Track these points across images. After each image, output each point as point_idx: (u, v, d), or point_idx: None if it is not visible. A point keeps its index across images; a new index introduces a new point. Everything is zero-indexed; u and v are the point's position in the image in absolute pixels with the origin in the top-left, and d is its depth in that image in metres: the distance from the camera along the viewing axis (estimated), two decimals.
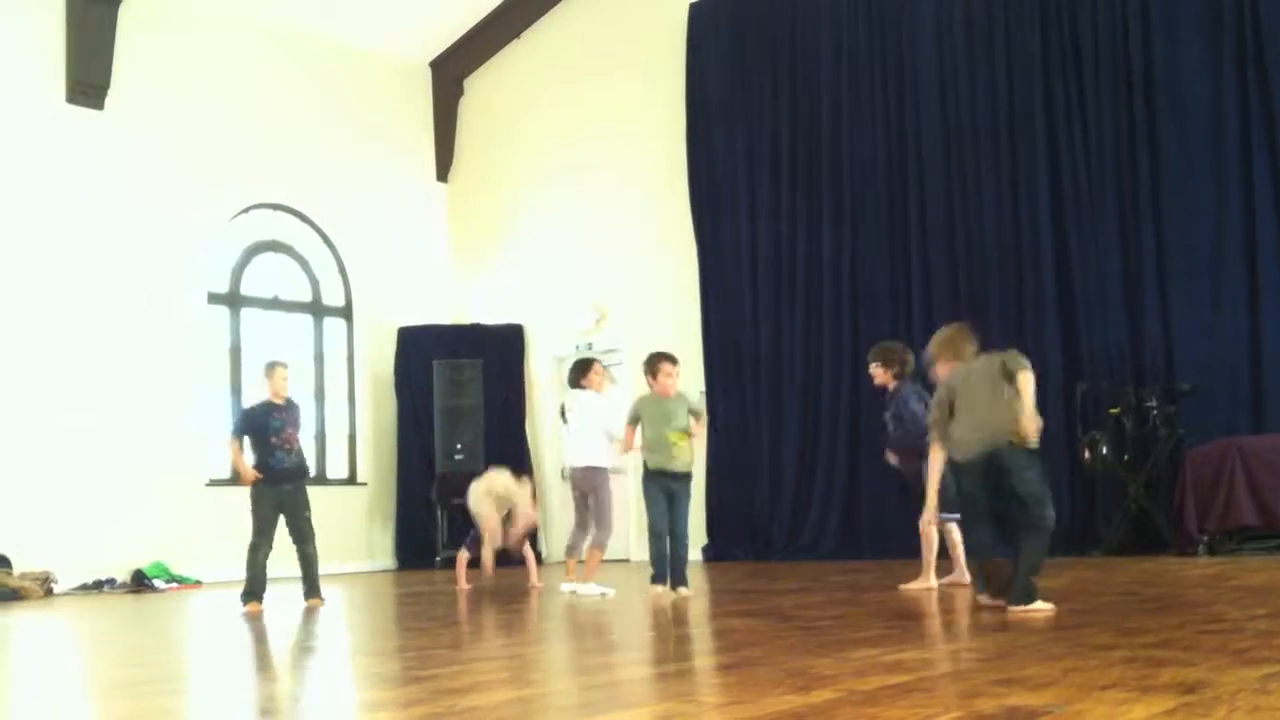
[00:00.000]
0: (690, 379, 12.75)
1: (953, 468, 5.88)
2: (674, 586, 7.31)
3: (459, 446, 13.48)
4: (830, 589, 7.50)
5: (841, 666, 3.64)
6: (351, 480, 14.09)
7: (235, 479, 8.20)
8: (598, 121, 14.06)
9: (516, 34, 14.86)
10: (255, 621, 7.05)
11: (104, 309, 11.97)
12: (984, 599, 5.60)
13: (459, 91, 15.51)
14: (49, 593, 10.77)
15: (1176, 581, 6.81)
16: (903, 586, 7.12)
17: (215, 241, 13.19)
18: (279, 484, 7.91)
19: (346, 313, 14.44)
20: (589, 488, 8.11)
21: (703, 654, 4.59)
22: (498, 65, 15.19)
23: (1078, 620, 4.82)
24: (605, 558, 8.29)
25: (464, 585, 8.93)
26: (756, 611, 6.04)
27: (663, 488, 7.50)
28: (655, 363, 7.66)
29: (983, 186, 11.16)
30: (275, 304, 13.88)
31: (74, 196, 11.94)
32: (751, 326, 12.47)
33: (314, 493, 13.17)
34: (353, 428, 14.31)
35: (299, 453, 8.10)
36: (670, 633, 5.49)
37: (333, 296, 14.38)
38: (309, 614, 7.34)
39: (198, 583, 11.54)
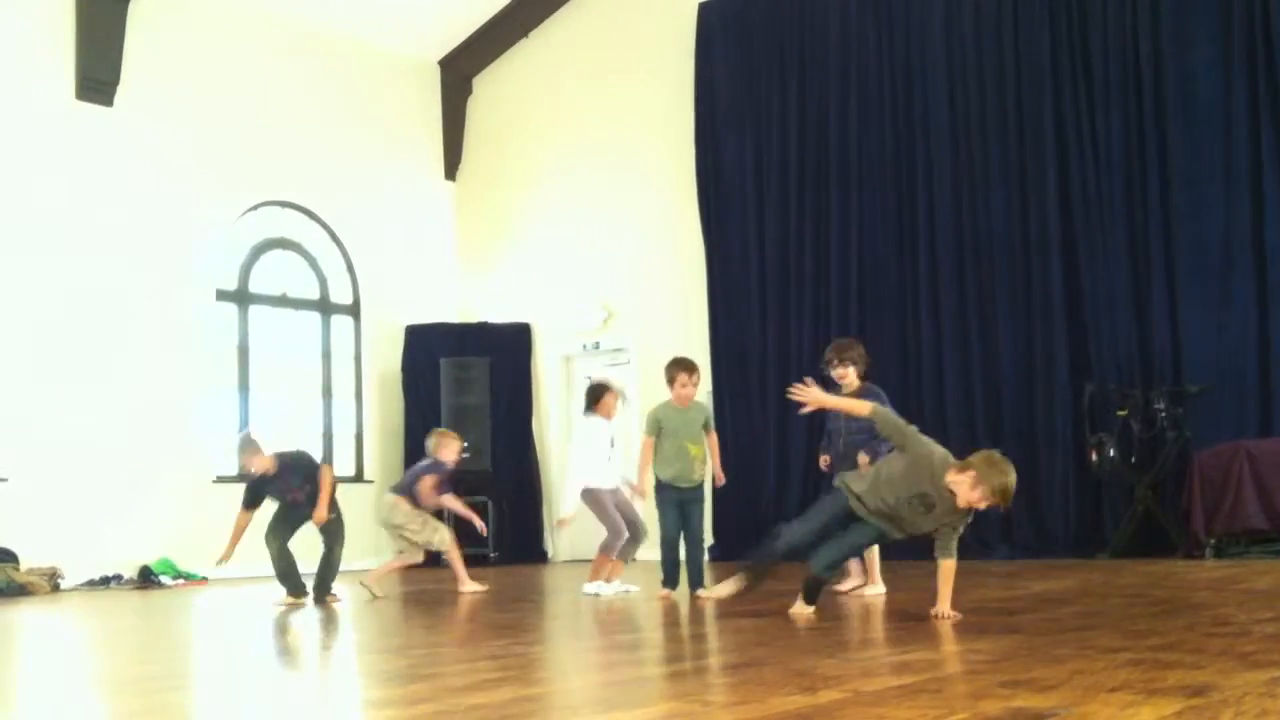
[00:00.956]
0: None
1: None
2: (693, 589, 7.26)
3: (466, 445, 13.47)
4: (837, 589, 7.49)
5: (847, 667, 3.64)
6: (359, 478, 14.10)
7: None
8: (606, 121, 14.06)
9: (525, 33, 14.87)
10: (263, 618, 7.06)
11: (112, 305, 11.99)
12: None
13: (468, 90, 15.52)
14: (56, 588, 10.79)
15: (1183, 584, 6.79)
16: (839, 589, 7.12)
17: (223, 238, 13.21)
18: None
19: (354, 310, 14.45)
20: (594, 510, 8.02)
21: (709, 654, 4.59)
22: (506, 64, 15.19)
23: (1084, 622, 4.82)
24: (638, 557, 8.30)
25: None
26: (763, 612, 6.03)
27: (674, 500, 7.38)
28: (672, 372, 7.44)
29: (991, 187, 11.16)
30: (283, 301, 13.90)
31: (83, 193, 11.96)
32: (759, 326, 12.47)
33: None
34: (360, 426, 14.33)
35: (309, 500, 8.17)
36: (676, 633, 5.50)
37: (341, 294, 14.40)
38: (322, 611, 7.37)
39: (204, 579, 11.56)
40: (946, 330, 11.23)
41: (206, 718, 3.46)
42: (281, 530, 8.21)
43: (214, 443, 12.71)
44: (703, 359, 12.75)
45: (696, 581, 7.32)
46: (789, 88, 12.53)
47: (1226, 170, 9.96)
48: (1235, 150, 9.92)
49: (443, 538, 8.84)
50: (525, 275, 14.71)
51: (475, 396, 13.61)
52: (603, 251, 13.93)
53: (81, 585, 11.20)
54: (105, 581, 11.41)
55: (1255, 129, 9.85)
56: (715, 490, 7.93)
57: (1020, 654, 3.88)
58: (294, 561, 8.26)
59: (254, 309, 13.59)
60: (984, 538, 10.58)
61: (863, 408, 5.73)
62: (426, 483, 8.77)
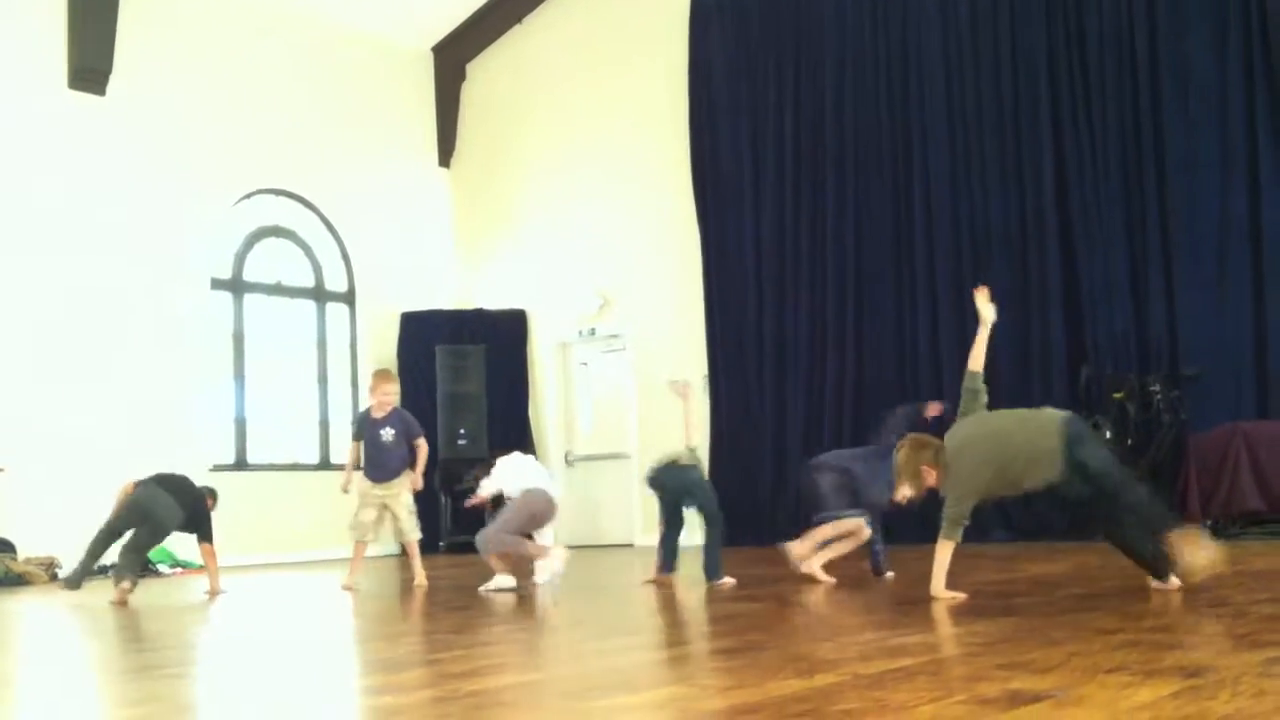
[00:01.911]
0: (694, 365, 12.79)
1: None
2: (709, 579, 7.28)
3: (462, 432, 13.50)
4: (833, 573, 7.50)
5: (845, 651, 3.64)
6: (355, 466, 14.05)
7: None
8: (601, 107, 14.03)
9: (519, 19, 14.83)
10: (260, 605, 7.07)
11: (107, 294, 11.97)
12: None
13: (461, 77, 15.49)
14: (54, 578, 10.79)
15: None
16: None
17: (218, 227, 13.19)
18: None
19: (349, 298, 14.44)
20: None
21: (707, 639, 4.59)
22: (500, 50, 15.16)
23: (1081, 605, 4.83)
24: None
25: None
26: (760, 596, 6.04)
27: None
28: None
29: (987, 172, 11.14)
30: (278, 290, 13.88)
31: (76, 182, 11.94)
32: (755, 312, 12.46)
33: (317, 478, 13.40)
34: (355, 413, 14.30)
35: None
36: (673, 619, 5.50)
37: (335, 282, 14.38)
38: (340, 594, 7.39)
39: (202, 568, 11.53)
40: (943, 316, 11.22)
41: (205, 705, 3.47)
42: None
43: (210, 431, 12.71)
44: (698, 346, 12.78)
45: (713, 571, 7.27)
46: (784, 75, 12.50)
47: (1222, 155, 9.95)
48: (1231, 135, 9.91)
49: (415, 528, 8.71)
50: (521, 262, 14.70)
51: (471, 384, 13.60)
52: (598, 238, 13.92)
53: None
54: (103, 571, 11.38)
55: (1251, 114, 9.84)
56: (711, 471, 7.92)
57: (1017, 636, 3.89)
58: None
59: (249, 297, 13.57)
60: (981, 521, 10.58)
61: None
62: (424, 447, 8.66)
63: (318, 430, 14.01)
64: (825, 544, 7.03)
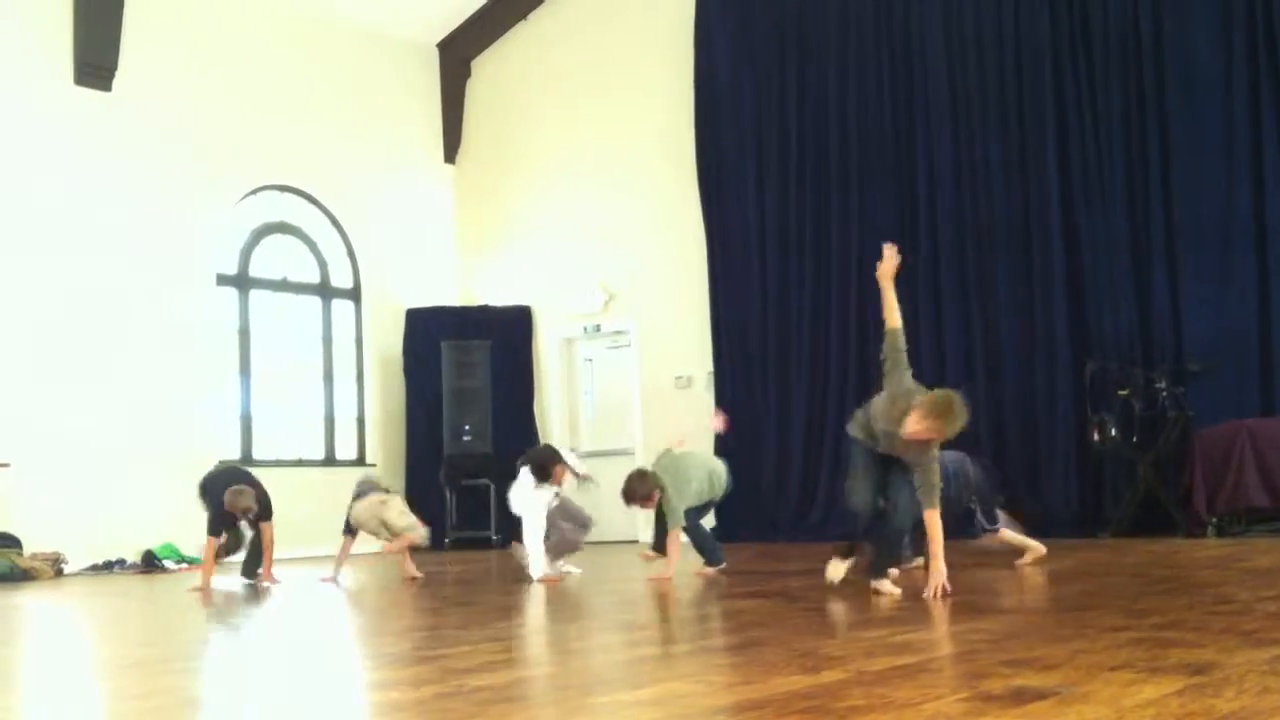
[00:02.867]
0: (698, 359, 12.80)
1: None
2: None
3: (467, 428, 13.51)
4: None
5: (850, 647, 3.64)
6: (360, 461, 14.11)
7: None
8: (605, 102, 14.03)
9: (524, 15, 14.82)
10: (265, 601, 7.08)
11: (112, 291, 11.99)
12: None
13: (466, 73, 15.49)
14: (59, 573, 10.82)
15: (1185, 563, 6.80)
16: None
17: (223, 223, 13.20)
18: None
19: (355, 294, 14.45)
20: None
21: (710, 635, 4.60)
22: (505, 47, 15.15)
23: (1086, 602, 4.82)
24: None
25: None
26: (764, 592, 6.05)
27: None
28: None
29: (991, 165, 11.13)
30: (284, 286, 13.90)
31: (82, 178, 11.95)
32: (759, 305, 12.46)
33: (322, 474, 13.40)
34: (361, 409, 14.34)
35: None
36: (678, 614, 5.50)
37: (341, 278, 14.39)
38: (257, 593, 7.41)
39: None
40: (947, 309, 11.21)
41: (211, 699, 3.47)
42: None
43: (216, 427, 12.73)
44: (703, 337, 12.79)
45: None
46: (788, 68, 12.50)
47: (1228, 147, 9.94)
48: (1236, 126, 9.90)
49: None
50: (526, 258, 14.70)
51: (476, 379, 13.62)
52: (603, 233, 13.92)
53: (85, 570, 11.23)
54: (109, 566, 11.43)
55: (1256, 105, 9.82)
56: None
57: (1022, 633, 3.89)
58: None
59: (254, 293, 13.59)
60: (985, 518, 10.58)
61: (893, 317, 5.75)
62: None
63: (323, 426, 14.03)
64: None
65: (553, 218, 14.45)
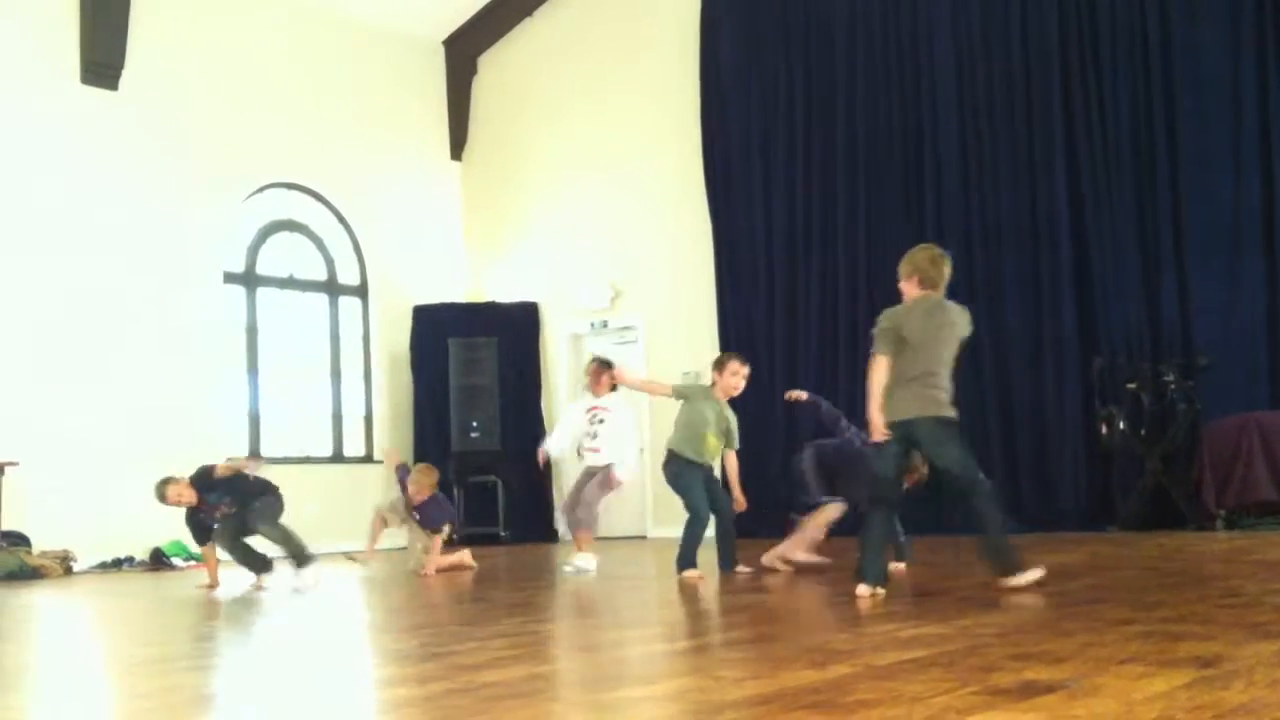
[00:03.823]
0: (705, 354, 12.77)
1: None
2: (732, 568, 7.21)
3: (475, 424, 13.52)
4: (846, 565, 7.50)
5: (859, 642, 3.64)
6: (368, 459, 14.13)
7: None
8: (612, 98, 14.02)
9: (529, 11, 14.83)
10: (273, 599, 7.09)
11: (119, 290, 12.01)
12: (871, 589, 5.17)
13: (472, 70, 15.49)
14: (68, 571, 10.84)
15: (1194, 556, 6.80)
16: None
17: (230, 221, 13.22)
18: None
19: (362, 291, 14.46)
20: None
21: (719, 630, 4.60)
22: (511, 43, 15.15)
23: (1095, 595, 4.82)
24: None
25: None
26: (773, 588, 6.05)
27: (700, 476, 7.25)
28: (724, 361, 7.42)
29: (999, 161, 11.11)
30: (291, 283, 13.91)
31: (89, 177, 11.97)
32: (766, 302, 12.46)
33: (331, 471, 13.44)
34: (369, 407, 14.35)
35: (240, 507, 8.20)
36: (687, 610, 5.51)
37: (348, 275, 14.41)
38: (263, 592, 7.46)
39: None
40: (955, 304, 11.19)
41: (219, 697, 3.48)
42: (229, 532, 8.23)
43: (224, 424, 12.74)
44: (710, 334, 12.77)
45: (727, 562, 7.26)
46: (795, 65, 12.49)
47: (1235, 143, 9.92)
48: (1244, 124, 9.89)
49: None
50: (532, 254, 14.71)
51: (484, 376, 13.62)
52: (610, 230, 13.91)
53: (94, 568, 11.25)
54: (117, 564, 11.46)
55: (1264, 103, 9.82)
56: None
57: (1031, 627, 3.88)
58: (249, 546, 8.29)
59: (261, 291, 13.60)
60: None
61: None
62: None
63: (331, 424, 14.05)
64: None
65: (559, 214, 14.45)
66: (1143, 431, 9.88)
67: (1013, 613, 4.35)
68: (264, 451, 13.17)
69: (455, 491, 13.45)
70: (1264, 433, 9.07)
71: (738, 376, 7.31)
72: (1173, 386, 9.73)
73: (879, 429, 5.24)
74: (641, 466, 8.01)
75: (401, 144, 14.89)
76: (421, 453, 14.16)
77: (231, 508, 8.13)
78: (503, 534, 13.33)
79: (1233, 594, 4.64)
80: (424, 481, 8.47)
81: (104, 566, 11.33)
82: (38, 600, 8.03)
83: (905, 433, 5.24)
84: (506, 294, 14.72)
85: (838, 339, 11.94)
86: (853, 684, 2.87)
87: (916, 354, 5.29)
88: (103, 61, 12.13)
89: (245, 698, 3.44)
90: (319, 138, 13.92)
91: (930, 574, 6.52)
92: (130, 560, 11.50)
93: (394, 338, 14.38)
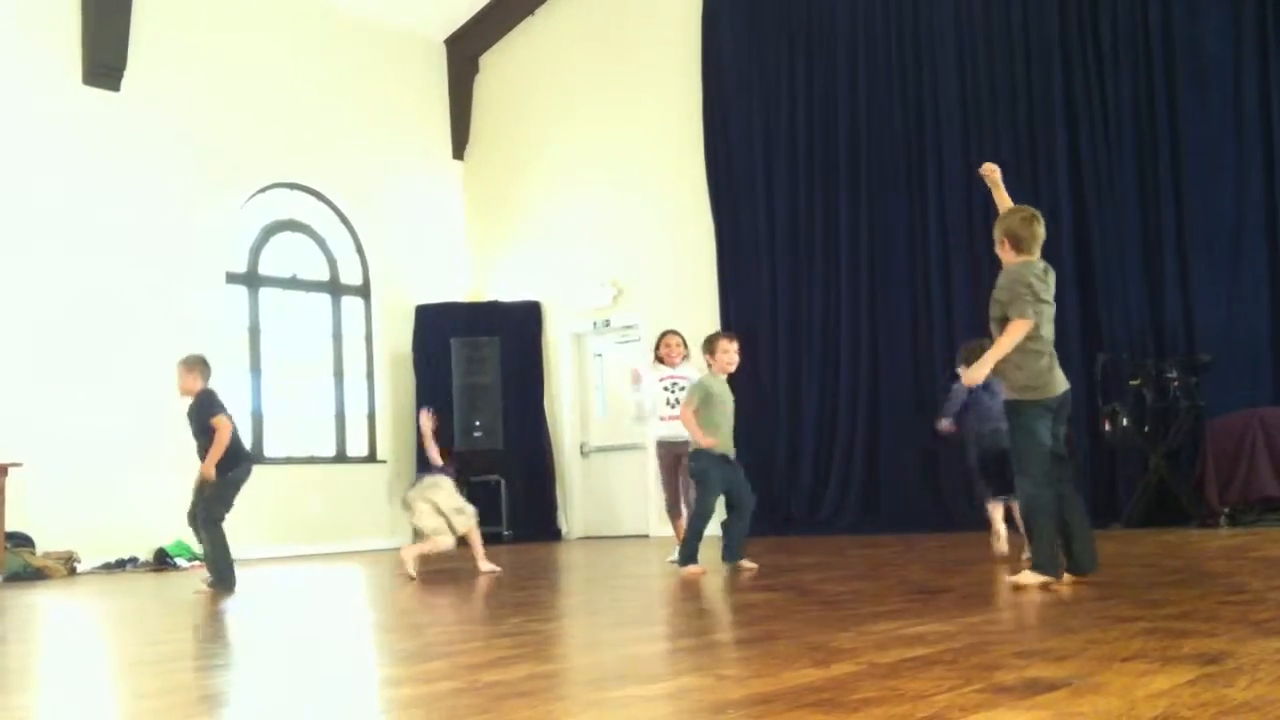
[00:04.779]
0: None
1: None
2: (738, 559, 7.24)
3: (478, 424, 13.52)
4: (850, 563, 7.52)
5: (862, 640, 3.64)
6: (371, 458, 14.15)
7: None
8: (613, 97, 14.03)
9: (531, 10, 14.83)
10: (278, 598, 7.10)
11: (121, 290, 12.02)
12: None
13: (474, 69, 15.49)
14: (72, 572, 10.85)
15: (1197, 553, 6.79)
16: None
17: (233, 221, 13.22)
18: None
19: (364, 291, 14.47)
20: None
21: (722, 628, 4.60)
22: (513, 42, 15.16)
23: (1098, 592, 4.82)
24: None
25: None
26: (776, 586, 6.05)
27: (725, 474, 7.27)
28: (713, 340, 7.51)
29: (1001, 158, 11.03)
30: (293, 283, 13.92)
31: (92, 178, 11.98)
32: (769, 299, 12.46)
33: (335, 471, 13.47)
34: (372, 406, 14.36)
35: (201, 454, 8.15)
36: (690, 608, 5.51)
37: (350, 275, 14.42)
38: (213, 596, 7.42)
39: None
40: (957, 300, 11.20)
41: (224, 697, 3.48)
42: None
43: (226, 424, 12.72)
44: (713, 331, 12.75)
45: (734, 553, 7.27)
46: (797, 62, 12.49)
47: (1237, 139, 9.92)
48: (1246, 118, 9.87)
49: (467, 520, 8.45)
50: (534, 254, 14.71)
51: (486, 375, 13.63)
52: (612, 229, 13.92)
53: (97, 568, 11.26)
54: (121, 564, 11.47)
55: (1265, 97, 9.80)
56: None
57: (1034, 625, 3.89)
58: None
59: (264, 291, 13.61)
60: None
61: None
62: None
63: (333, 423, 14.06)
64: None
65: (561, 213, 14.45)
66: (1146, 428, 9.87)
67: (1016, 610, 4.35)
68: (267, 452, 13.21)
69: (458, 490, 13.45)
70: (1267, 429, 9.07)
71: (729, 353, 7.43)
72: (1176, 383, 9.73)
73: (978, 377, 5.28)
74: None
75: (403, 144, 14.90)
76: (424, 452, 14.14)
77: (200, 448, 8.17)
78: (506, 533, 13.34)
79: (1236, 591, 4.64)
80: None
81: (108, 567, 11.34)
82: (41, 601, 8.04)
83: (1060, 404, 5.22)
84: (509, 293, 14.73)
85: (840, 334, 11.94)
86: (856, 682, 2.87)
87: (1043, 321, 5.23)
88: (104, 62, 12.13)
89: (249, 697, 3.45)
90: (321, 138, 13.93)
91: (932, 571, 6.52)
92: (134, 561, 11.51)
93: (396, 337, 14.39)
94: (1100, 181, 10.54)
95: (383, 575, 8.78)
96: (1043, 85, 10.90)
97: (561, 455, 14.30)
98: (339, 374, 14.21)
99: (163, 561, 11.50)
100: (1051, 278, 5.34)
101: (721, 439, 7.26)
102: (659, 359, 8.53)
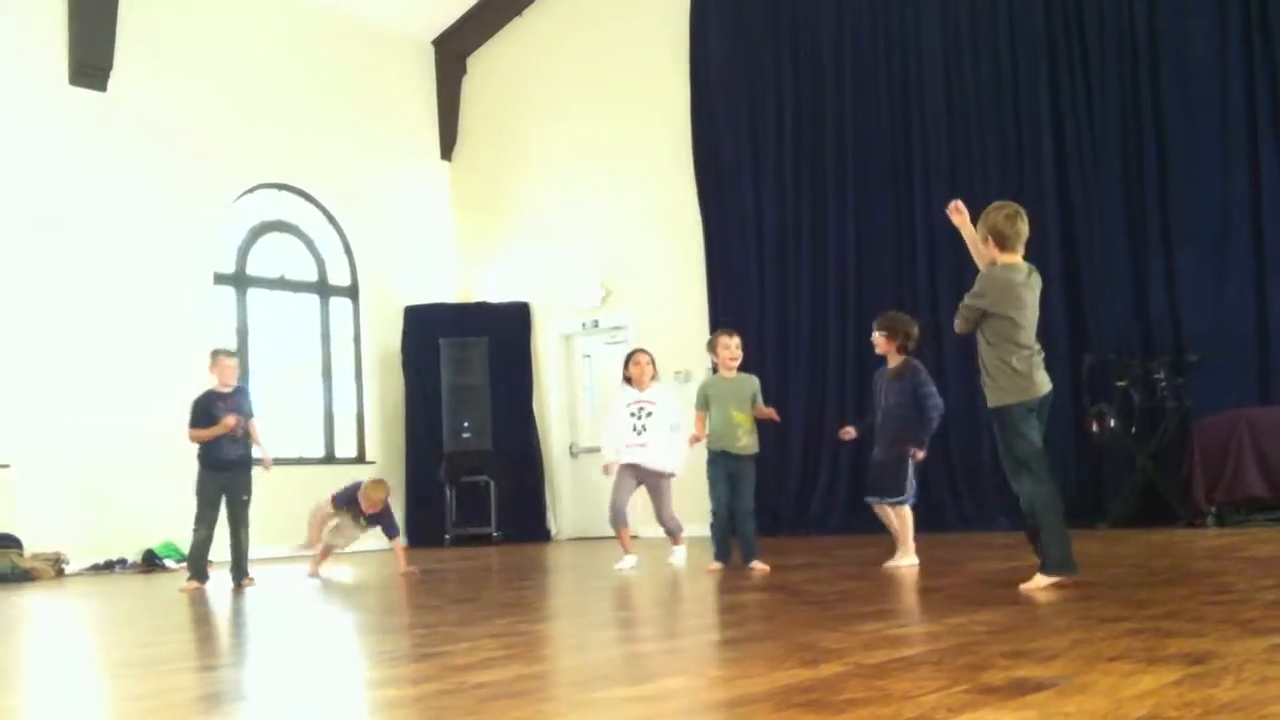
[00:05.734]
0: (696, 353, 12.77)
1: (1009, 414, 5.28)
2: (745, 562, 7.27)
3: (466, 425, 13.51)
4: (838, 563, 7.53)
5: (849, 640, 3.65)
6: (360, 459, 14.12)
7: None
8: (602, 98, 14.02)
9: (519, 11, 14.82)
10: (265, 600, 7.09)
11: (109, 291, 11.98)
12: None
13: (462, 70, 15.48)
14: (60, 573, 10.82)
15: (1184, 553, 6.81)
16: (888, 565, 6.96)
17: (220, 222, 13.19)
18: (222, 470, 8.28)
19: (353, 292, 14.45)
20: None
21: (710, 629, 4.60)
22: (500, 43, 15.14)
23: (1085, 592, 4.83)
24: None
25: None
26: (764, 586, 6.05)
27: (725, 469, 7.41)
28: (714, 340, 7.69)
29: (987, 157, 11.14)
30: (281, 284, 13.89)
31: (78, 179, 11.94)
32: (757, 299, 12.47)
33: (323, 472, 13.44)
34: (360, 407, 14.34)
35: (244, 441, 8.35)
36: (678, 608, 5.51)
37: (339, 276, 14.39)
38: (241, 594, 7.46)
39: (208, 562, 11.56)
40: (944, 301, 11.21)
41: (210, 698, 3.48)
42: (212, 520, 8.36)
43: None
44: (701, 332, 12.72)
45: (750, 554, 7.31)
46: (784, 61, 12.50)
47: (1223, 138, 9.95)
48: (1232, 117, 9.91)
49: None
50: (523, 254, 14.70)
51: (475, 376, 13.62)
52: (600, 229, 13.91)
53: (85, 570, 11.22)
54: (109, 566, 11.43)
55: (1251, 96, 9.84)
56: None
57: (1021, 625, 3.89)
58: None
59: (252, 292, 13.58)
60: (985, 509, 10.60)
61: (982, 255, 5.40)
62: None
63: (322, 424, 14.03)
64: None
65: (550, 214, 14.44)
66: (1133, 428, 9.90)
67: (1003, 610, 4.36)
68: (255, 453, 13.17)
69: (447, 492, 13.46)
70: (1253, 429, 9.10)
71: (729, 349, 7.63)
72: (1163, 383, 9.76)
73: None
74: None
75: (391, 144, 14.88)
76: (413, 453, 14.17)
77: (239, 435, 8.44)
78: (494, 534, 13.33)
79: (1222, 590, 4.65)
80: (376, 497, 8.47)
81: (96, 569, 11.31)
82: (29, 603, 8.01)
83: (1041, 404, 5.26)
84: (497, 294, 14.72)
85: (828, 333, 11.96)
86: (843, 682, 2.87)
87: (1027, 324, 5.21)
88: (91, 62, 12.10)
89: (238, 698, 3.44)
90: (309, 138, 13.90)
91: (919, 571, 6.53)
92: (123, 562, 11.48)
93: (385, 338, 14.37)
94: (1086, 181, 10.57)
95: (368, 576, 8.76)
96: (1029, 84, 10.93)
97: (550, 456, 14.30)
98: (327, 375, 14.19)
99: (151, 563, 11.47)
100: (1036, 279, 5.27)
101: (716, 436, 7.46)
102: (627, 379, 8.25)
